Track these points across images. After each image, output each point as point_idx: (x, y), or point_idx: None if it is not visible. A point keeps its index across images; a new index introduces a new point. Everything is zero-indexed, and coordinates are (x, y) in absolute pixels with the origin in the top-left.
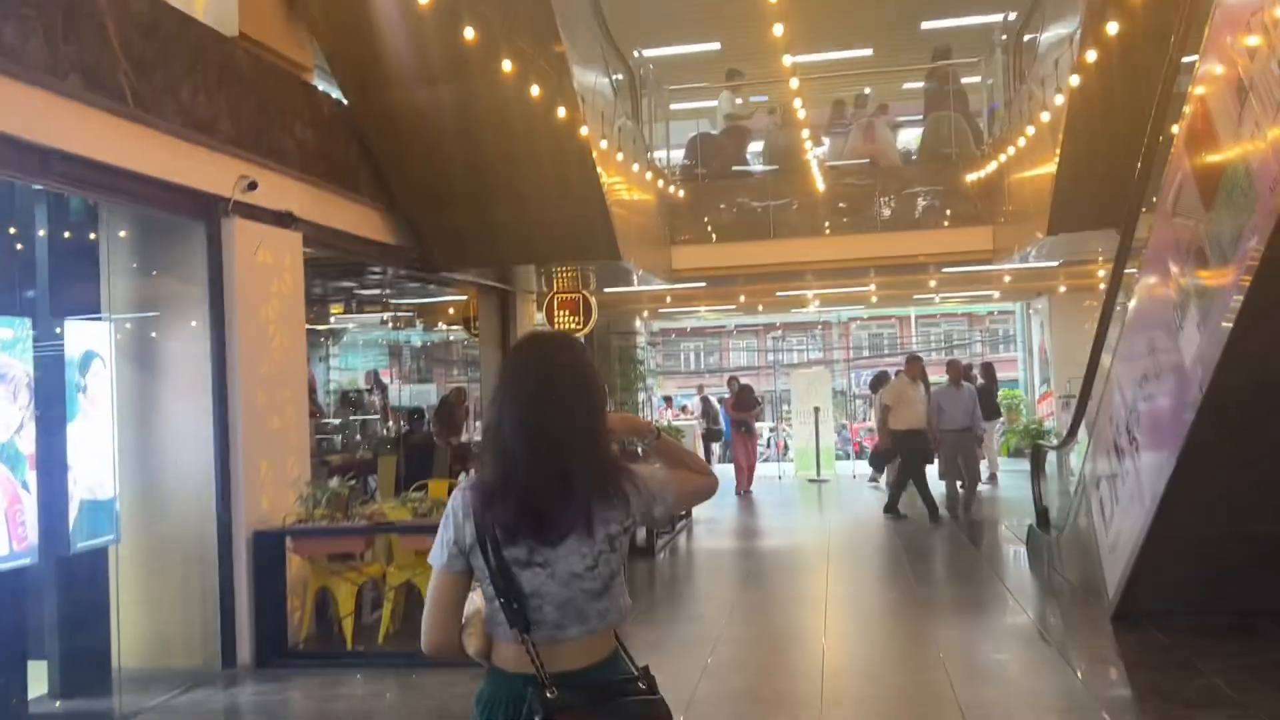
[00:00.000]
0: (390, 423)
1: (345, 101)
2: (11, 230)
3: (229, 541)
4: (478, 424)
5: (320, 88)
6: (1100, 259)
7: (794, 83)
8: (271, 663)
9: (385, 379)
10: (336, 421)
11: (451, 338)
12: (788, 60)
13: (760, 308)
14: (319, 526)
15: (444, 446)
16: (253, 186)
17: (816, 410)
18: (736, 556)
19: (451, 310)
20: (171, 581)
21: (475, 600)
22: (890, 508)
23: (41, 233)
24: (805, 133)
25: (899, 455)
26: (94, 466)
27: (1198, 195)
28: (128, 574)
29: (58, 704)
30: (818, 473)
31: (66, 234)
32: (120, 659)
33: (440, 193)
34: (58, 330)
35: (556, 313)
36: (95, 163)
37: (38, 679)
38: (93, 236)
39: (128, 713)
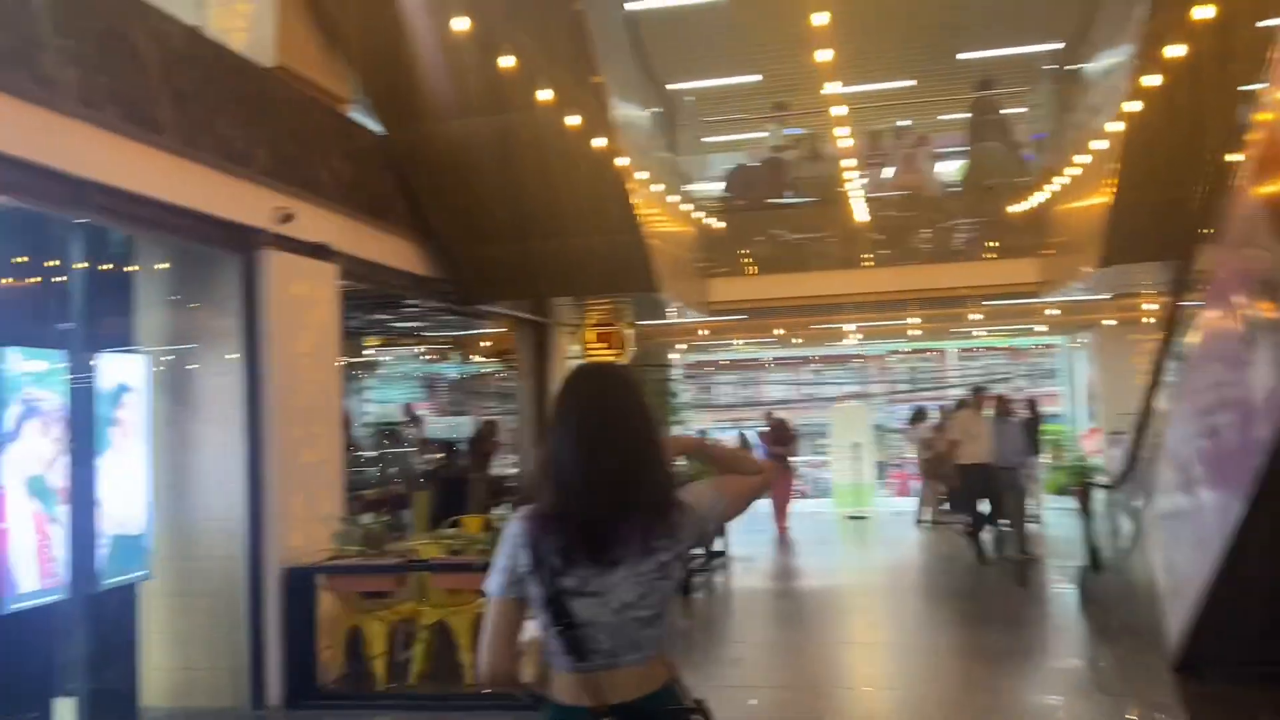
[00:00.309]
0: (425, 456)
1: (382, 133)
2: (47, 263)
3: (260, 578)
4: (513, 457)
5: (357, 119)
6: (1150, 292)
7: (836, 111)
8: (302, 703)
9: (420, 412)
10: (371, 455)
11: (487, 370)
12: (829, 89)
13: (798, 341)
14: (351, 563)
15: (478, 480)
16: (289, 218)
17: (856, 445)
18: (775, 597)
19: (487, 342)
20: (200, 619)
21: (532, 629)
22: (975, 541)
23: (77, 265)
24: (847, 163)
25: (965, 490)
26: (125, 501)
27: (1269, 225)
28: (156, 611)
29: None
30: (858, 509)
31: (102, 266)
32: (147, 698)
33: (476, 225)
34: (91, 363)
35: (592, 345)
36: (131, 194)
37: (65, 717)
38: (128, 268)
39: None
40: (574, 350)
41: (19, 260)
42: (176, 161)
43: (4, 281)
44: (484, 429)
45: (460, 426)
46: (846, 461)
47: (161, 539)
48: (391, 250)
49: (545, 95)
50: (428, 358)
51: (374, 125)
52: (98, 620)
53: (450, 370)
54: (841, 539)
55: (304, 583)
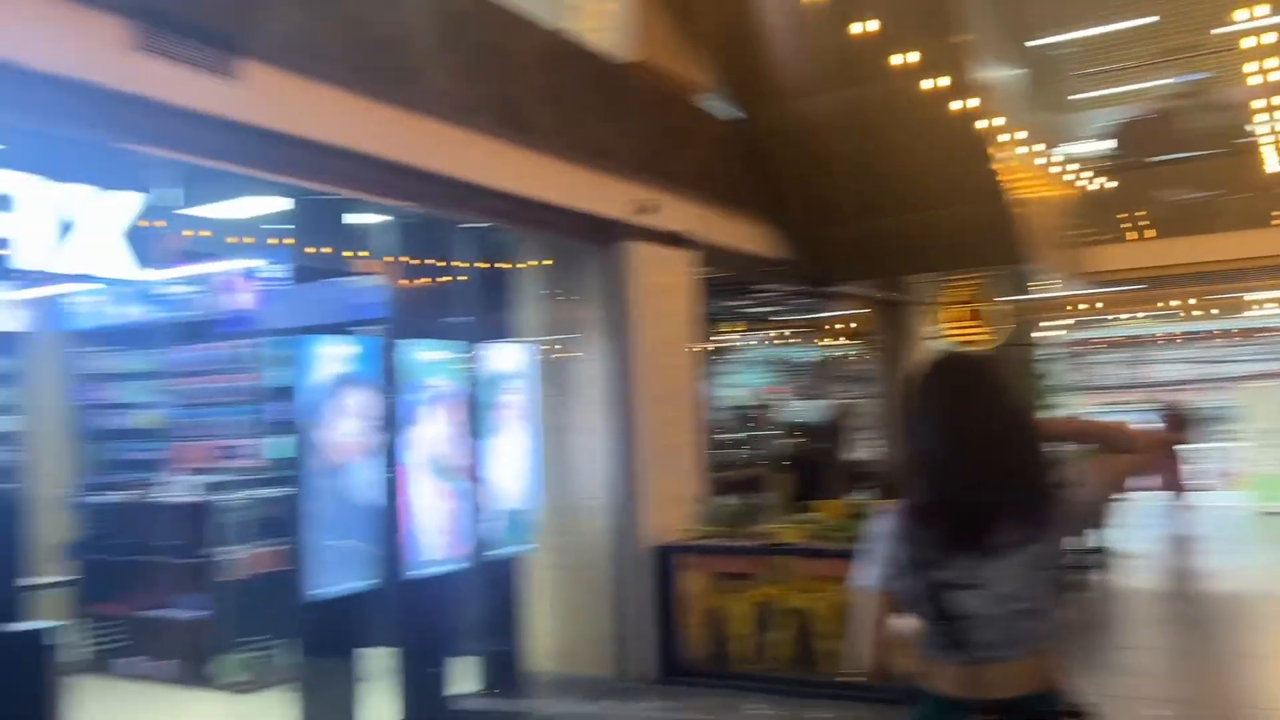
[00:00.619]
0: (781, 440)
1: (736, 119)
2: (445, 261)
3: (629, 556)
4: (870, 441)
5: (712, 107)
6: None
7: (1247, 45)
8: (671, 679)
9: (777, 396)
10: (729, 439)
11: (843, 352)
12: (1239, 22)
13: (1195, 313)
14: (712, 544)
15: (835, 465)
16: (650, 209)
17: (1272, 431)
18: (1171, 599)
19: (843, 324)
20: (579, 591)
21: (904, 621)
22: None
23: (468, 263)
24: (1259, 105)
25: None
26: (513, 478)
27: None
28: (542, 582)
29: (482, 700)
30: (1274, 504)
31: (489, 264)
32: (533, 663)
33: (830, 204)
34: (482, 353)
35: (955, 324)
36: (507, 195)
37: (465, 675)
38: (511, 265)
39: (541, 716)
40: (933, 330)
41: (421, 262)
42: (546, 161)
43: (409, 282)
44: (840, 413)
45: (816, 410)
46: (1260, 450)
47: (545, 514)
48: (745, 235)
49: (901, 62)
50: (783, 341)
51: (729, 111)
52: (492, 588)
53: (806, 354)
54: (1252, 537)
55: (669, 561)
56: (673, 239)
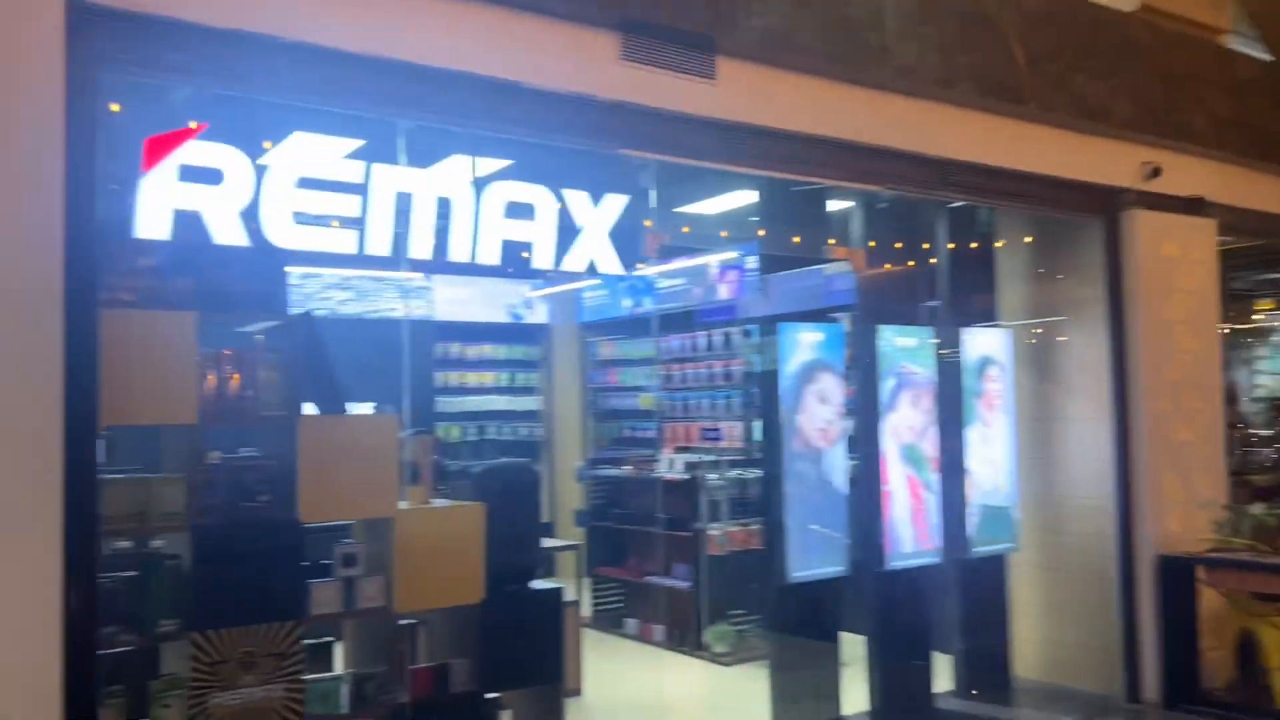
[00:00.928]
0: None
1: (1264, 60)
2: (916, 245)
3: (1130, 563)
4: None
5: (1231, 49)
6: None
7: None
8: (1183, 705)
9: None
10: (1265, 435)
11: None
12: None
13: None
14: (1239, 558)
15: None
16: (1156, 173)
17: None
18: None
19: None
20: (1068, 597)
21: None
22: None
23: (941, 244)
24: None
25: None
26: (991, 471)
27: None
28: (1024, 583)
29: (960, 701)
30: None
31: (964, 244)
32: (1018, 667)
33: None
34: (957, 338)
35: None
36: (987, 168)
37: (940, 673)
38: (989, 244)
39: None
40: None
41: (892, 245)
42: (1031, 128)
43: (881, 267)
44: None
45: None
46: None
47: (1027, 511)
48: None
49: None
50: None
51: (1254, 53)
52: (969, 585)
53: None
54: None
55: (1181, 574)
56: (1188, 205)
